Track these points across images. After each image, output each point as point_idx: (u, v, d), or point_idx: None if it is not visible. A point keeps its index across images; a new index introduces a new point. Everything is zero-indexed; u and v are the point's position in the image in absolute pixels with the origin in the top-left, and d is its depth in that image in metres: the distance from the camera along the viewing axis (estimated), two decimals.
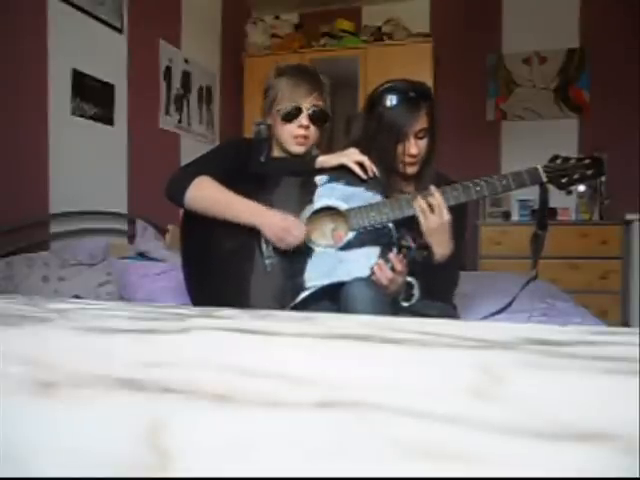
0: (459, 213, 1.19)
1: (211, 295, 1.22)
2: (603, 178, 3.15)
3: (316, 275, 1.13)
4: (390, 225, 1.17)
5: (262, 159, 1.29)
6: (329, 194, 1.21)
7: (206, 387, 0.24)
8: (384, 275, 1.09)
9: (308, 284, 1.13)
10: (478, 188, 1.15)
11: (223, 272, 1.22)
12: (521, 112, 3.59)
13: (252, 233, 1.20)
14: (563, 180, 1.16)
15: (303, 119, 1.25)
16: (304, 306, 1.12)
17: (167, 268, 1.75)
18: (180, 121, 3.00)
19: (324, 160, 1.21)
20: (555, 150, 1.26)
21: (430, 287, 1.18)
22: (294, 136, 1.26)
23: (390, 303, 1.12)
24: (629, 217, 3.11)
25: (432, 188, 1.14)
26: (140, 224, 2.31)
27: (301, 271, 1.15)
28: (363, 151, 1.22)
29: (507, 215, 3.45)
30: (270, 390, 0.24)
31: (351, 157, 1.19)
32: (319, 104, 1.27)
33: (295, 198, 1.22)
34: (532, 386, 0.24)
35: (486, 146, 3.64)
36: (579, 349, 0.31)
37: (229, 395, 0.23)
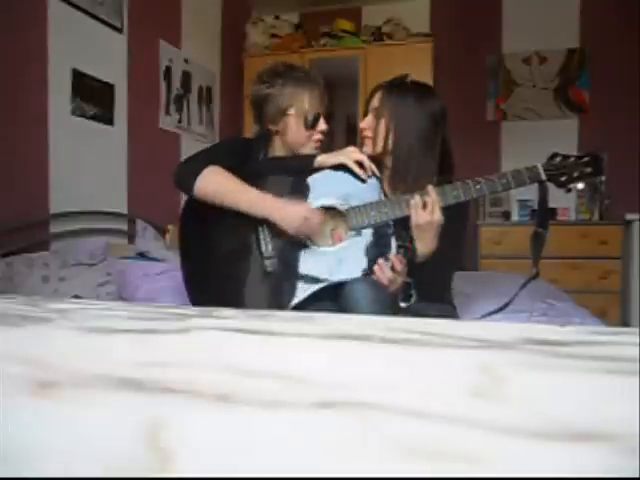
0: (458, 212, 1.19)
1: (210, 296, 1.22)
2: (603, 177, 3.16)
3: (316, 275, 1.13)
4: (390, 225, 1.17)
5: (260, 158, 1.30)
6: (328, 192, 1.20)
7: (206, 387, 0.24)
8: (384, 275, 1.09)
9: (308, 284, 1.13)
10: (478, 187, 1.15)
11: (222, 272, 1.22)
12: (521, 112, 3.59)
13: (251, 233, 1.20)
14: (562, 178, 1.16)
15: (322, 124, 1.30)
16: (304, 306, 1.12)
17: (167, 268, 1.75)
18: (180, 121, 3.00)
19: (323, 159, 1.21)
20: (555, 150, 1.26)
21: (421, 286, 1.18)
22: (315, 140, 1.30)
23: (390, 303, 1.12)
24: (629, 217, 3.11)
25: (429, 187, 1.14)
26: (140, 224, 2.31)
27: (301, 271, 1.15)
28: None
29: (507, 215, 3.45)
30: (270, 390, 0.24)
31: (350, 156, 1.19)
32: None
33: (286, 198, 1.22)
34: (532, 386, 0.24)
35: (486, 146, 3.64)
36: (579, 349, 0.31)
37: (229, 395, 0.23)
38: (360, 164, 1.19)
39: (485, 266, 3.24)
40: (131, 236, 2.39)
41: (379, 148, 1.24)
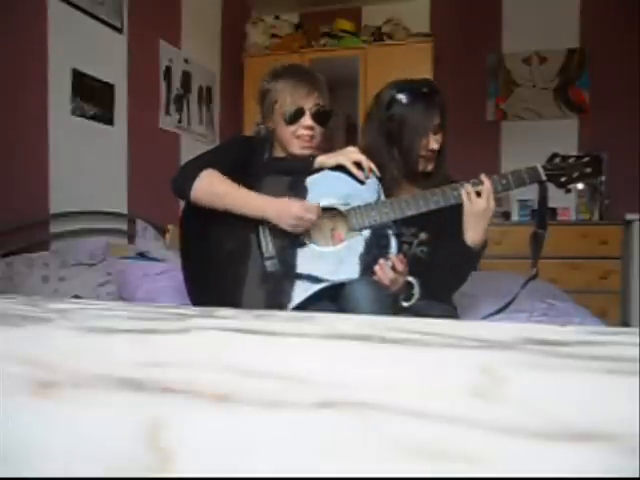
0: (457, 213, 1.19)
1: (211, 296, 1.22)
2: (603, 177, 3.16)
3: (316, 275, 1.13)
4: (390, 225, 1.17)
5: (262, 159, 1.29)
6: (328, 193, 1.20)
7: (206, 387, 0.24)
8: (385, 275, 1.09)
9: (308, 284, 1.13)
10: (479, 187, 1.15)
11: (223, 273, 1.22)
12: (521, 112, 3.59)
13: (252, 233, 1.20)
14: (562, 179, 1.16)
15: (307, 119, 1.25)
16: (304, 306, 1.12)
17: (167, 268, 1.75)
18: (180, 121, 3.00)
19: (323, 160, 1.21)
20: (555, 150, 1.27)
21: (438, 278, 1.18)
22: (298, 136, 1.25)
23: (390, 303, 1.12)
24: (629, 217, 3.11)
25: (482, 176, 1.15)
26: (140, 224, 2.31)
27: (301, 271, 1.15)
28: (380, 152, 1.23)
29: (507, 215, 3.45)
30: (270, 390, 0.24)
31: (349, 156, 1.19)
32: (321, 103, 1.26)
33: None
34: (532, 386, 0.24)
35: (486, 146, 3.64)
36: (579, 349, 0.31)
37: (229, 395, 0.23)
38: (359, 164, 1.19)
39: (485, 266, 3.23)
40: (131, 236, 2.39)
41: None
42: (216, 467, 0.17)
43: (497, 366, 0.27)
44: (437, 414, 0.20)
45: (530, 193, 2.81)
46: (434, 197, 1.15)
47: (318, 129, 1.27)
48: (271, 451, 0.18)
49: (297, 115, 1.24)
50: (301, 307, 1.11)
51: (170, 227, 2.41)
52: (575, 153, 1.19)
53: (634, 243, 3.10)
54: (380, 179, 1.22)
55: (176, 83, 2.96)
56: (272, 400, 0.22)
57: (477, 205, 1.13)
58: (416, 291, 1.15)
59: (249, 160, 1.27)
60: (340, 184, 1.20)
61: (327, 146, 1.35)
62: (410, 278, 1.15)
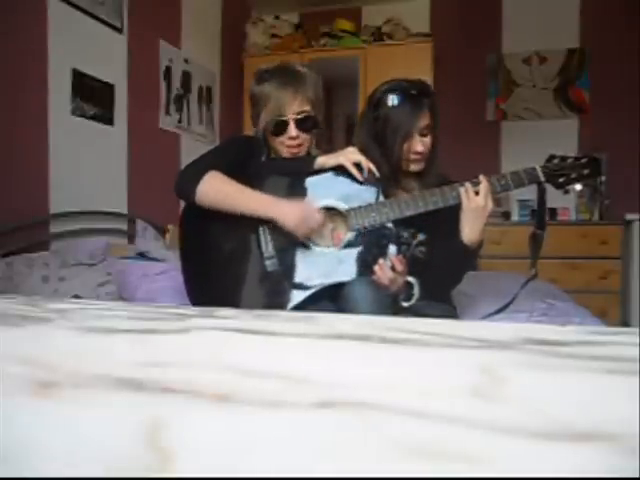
0: (456, 213, 1.19)
1: (211, 296, 1.22)
2: (603, 177, 3.16)
3: (316, 275, 1.13)
4: (390, 225, 1.17)
5: (262, 159, 1.29)
6: (328, 193, 1.20)
7: (206, 387, 0.24)
8: (385, 275, 1.09)
9: (308, 284, 1.13)
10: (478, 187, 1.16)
11: (223, 272, 1.22)
12: (521, 112, 3.59)
13: (251, 233, 1.20)
14: (560, 180, 1.17)
15: (291, 131, 1.22)
16: (304, 306, 1.12)
17: (167, 268, 1.75)
18: (180, 121, 3.00)
19: (323, 161, 1.21)
20: (555, 150, 1.27)
21: (435, 278, 1.18)
22: (287, 146, 1.24)
23: (390, 303, 1.12)
24: (629, 217, 3.11)
25: (480, 176, 1.16)
26: (140, 224, 2.31)
27: (301, 271, 1.15)
28: (369, 152, 1.23)
29: (507, 215, 3.45)
30: (270, 390, 0.24)
31: (348, 157, 1.19)
32: (305, 109, 1.23)
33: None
34: (532, 386, 0.24)
35: (486, 146, 3.64)
36: (579, 349, 0.31)
37: (229, 395, 0.23)
38: (358, 165, 1.19)
39: (485, 266, 3.24)
40: (131, 236, 2.39)
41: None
42: (216, 467, 0.17)
43: (497, 366, 0.27)
44: (437, 414, 0.20)
45: (530, 193, 2.81)
46: (433, 197, 1.16)
47: (304, 136, 1.24)
48: (271, 451, 0.18)
49: (281, 127, 1.22)
50: (301, 307, 1.11)
51: (170, 227, 2.41)
52: (575, 153, 1.20)
53: (634, 243, 3.10)
54: (380, 179, 1.22)
55: (176, 83, 2.96)
56: (272, 400, 0.22)
57: (475, 202, 1.13)
58: (416, 291, 1.15)
59: (249, 160, 1.27)
60: (340, 184, 1.20)
61: (327, 147, 1.35)
62: (410, 278, 1.15)
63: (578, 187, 1.20)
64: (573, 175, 1.17)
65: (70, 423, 0.21)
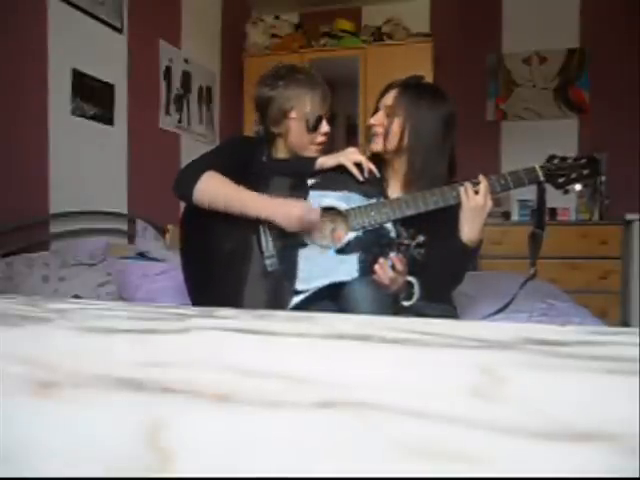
0: (455, 213, 1.19)
1: (211, 296, 1.22)
2: (603, 178, 3.16)
3: (316, 275, 1.13)
4: (390, 225, 1.17)
5: (264, 159, 1.29)
6: (328, 193, 1.21)
7: (206, 387, 0.24)
8: (385, 275, 1.09)
9: (308, 284, 1.13)
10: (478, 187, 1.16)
11: (223, 272, 1.22)
12: (521, 112, 3.59)
13: (252, 232, 1.20)
14: (560, 180, 1.17)
15: (325, 126, 1.30)
16: (304, 306, 1.12)
17: (167, 268, 1.75)
18: (180, 121, 3.00)
19: (324, 161, 1.21)
20: (555, 150, 1.27)
21: (435, 278, 1.18)
22: (318, 143, 1.30)
23: (390, 303, 1.12)
24: (629, 217, 3.11)
25: (480, 176, 1.16)
26: (140, 224, 2.30)
27: (301, 271, 1.15)
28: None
29: (507, 215, 3.45)
30: (270, 390, 0.24)
31: (349, 157, 1.20)
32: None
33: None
34: (532, 386, 0.24)
35: (486, 146, 3.64)
36: (579, 349, 0.31)
37: (229, 395, 0.23)
38: (359, 165, 1.19)
39: (485, 266, 3.24)
40: (131, 236, 2.39)
41: (391, 146, 1.22)
42: (216, 467, 0.17)
43: (497, 366, 0.27)
44: (437, 414, 0.20)
45: (530, 193, 2.81)
46: (433, 197, 1.16)
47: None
48: (271, 451, 0.18)
49: (318, 123, 1.29)
50: (301, 307, 1.12)
51: (170, 227, 2.41)
52: (575, 153, 1.20)
53: (634, 243, 3.10)
54: (380, 179, 1.22)
55: (176, 83, 2.96)
56: (272, 400, 0.22)
57: (474, 201, 1.13)
58: (416, 290, 1.15)
59: (249, 160, 1.27)
60: (340, 185, 1.20)
61: (328, 147, 1.35)
62: (410, 278, 1.15)
63: (578, 187, 1.20)
64: (573, 175, 1.17)
65: (70, 423, 0.21)
